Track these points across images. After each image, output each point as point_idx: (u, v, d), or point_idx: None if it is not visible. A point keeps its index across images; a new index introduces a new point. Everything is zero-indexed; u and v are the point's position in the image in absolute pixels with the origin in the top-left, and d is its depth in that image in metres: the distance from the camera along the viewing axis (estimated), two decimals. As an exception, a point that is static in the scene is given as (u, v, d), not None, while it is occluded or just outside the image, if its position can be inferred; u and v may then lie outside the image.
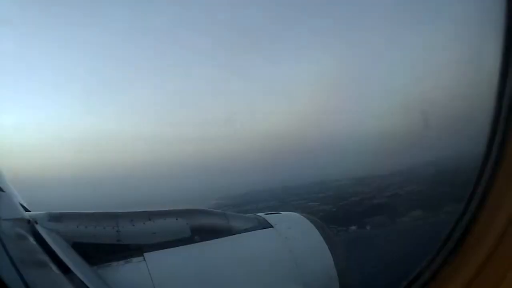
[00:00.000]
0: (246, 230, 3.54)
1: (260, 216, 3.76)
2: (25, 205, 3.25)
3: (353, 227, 29.55)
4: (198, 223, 3.40)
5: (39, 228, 2.76)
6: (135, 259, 3.04)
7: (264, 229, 3.60)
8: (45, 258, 2.36)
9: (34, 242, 2.51)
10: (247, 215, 3.83)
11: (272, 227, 3.61)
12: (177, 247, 3.22)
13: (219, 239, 3.37)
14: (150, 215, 3.31)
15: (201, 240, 3.31)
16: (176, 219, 3.36)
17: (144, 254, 3.08)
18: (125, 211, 3.35)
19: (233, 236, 3.45)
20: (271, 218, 3.72)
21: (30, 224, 2.77)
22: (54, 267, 2.28)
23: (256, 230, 3.57)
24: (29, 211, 3.14)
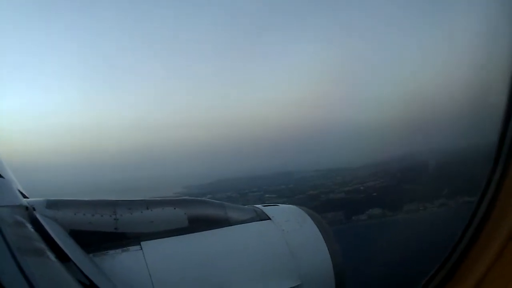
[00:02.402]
0: (244, 221, 3.56)
1: (258, 208, 3.77)
2: (23, 191, 3.25)
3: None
4: (195, 213, 3.41)
5: (37, 215, 2.75)
6: (132, 248, 3.04)
7: (262, 221, 3.62)
8: (42, 245, 2.34)
9: (32, 229, 2.49)
10: (245, 206, 3.84)
11: (270, 219, 3.64)
12: (174, 237, 3.22)
13: (216, 230, 3.38)
14: (148, 204, 3.30)
15: (198, 231, 3.32)
16: (174, 208, 3.36)
17: (141, 242, 3.08)
18: (123, 199, 3.34)
19: (230, 227, 3.46)
20: (268, 210, 3.75)
21: (28, 211, 2.76)
22: (51, 255, 2.25)
23: (253, 221, 3.59)
24: (27, 198, 3.12)
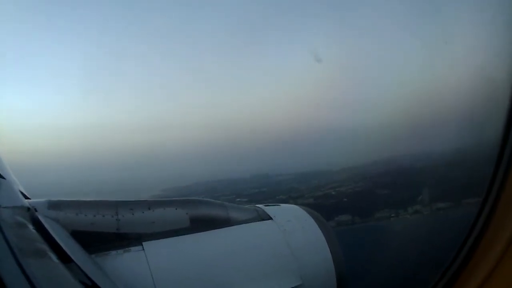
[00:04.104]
0: (245, 221, 3.56)
1: (259, 208, 3.78)
2: (25, 192, 3.23)
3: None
4: (197, 214, 3.41)
5: (39, 216, 2.74)
6: (134, 248, 3.04)
7: (263, 221, 3.63)
8: (44, 246, 2.33)
9: (34, 230, 2.48)
10: (246, 206, 3.85)
11: (271, 219, 3.64)
12: (175, 237, 3.22)
13: (217, 230, 3.38)
14: (149, 205, 3.30)
15: (200, 231, 3.32)
16: (176, 209, 3.36)
17: (143, 243, 3.09)
18: (125, 199, 3.34)
19: (232, 227, 3.46)
20: (270, 210, 3.75)
21: (30, 212, 2.75)
22: (53, 256, 2.25)
23: (255, 222, 3.60)
24: (29, 199, 3.11)
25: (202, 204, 3.56)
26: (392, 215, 30.56)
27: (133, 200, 3.36)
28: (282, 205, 4.04)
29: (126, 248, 3.01)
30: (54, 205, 2.99)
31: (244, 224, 3.53)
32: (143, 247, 3.04)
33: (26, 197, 3.12)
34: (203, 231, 3.33)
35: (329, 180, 39.14)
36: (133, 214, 3.19)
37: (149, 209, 3.26)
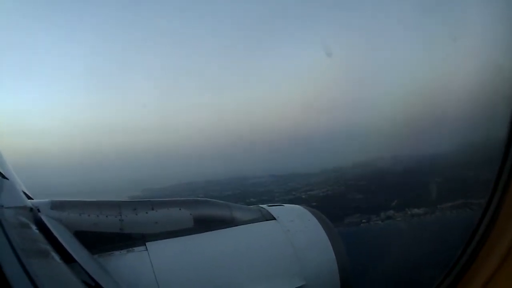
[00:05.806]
0: (249, 221, 3.56)
1: (263, 208, 3.78)
2: (28, 193, 3.25)
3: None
4: (201, 214, 3.40)
5: (41, 216, 2.74)
6: (137, 249, 3.03)
7: (267, 221, 3.62)
8: (47, 247, 2.32)
9: (37, 231, 2.47)
10: (250, 206, 3.85)
11: (275, 219, 3.64)
12: (179, 237, 3.21)
13: (221, 230, 3.38)
14: (153, 205, 3.29)
15: (204, 231, 3.31)
16: (179, 209, 3.35)
17: (147, 243, 3.08)
18: (128, 200, 3.38)
19: (236, 227, 3.46)
20: (274, 210, 3.75)
21: (33, 212, 2.75)
22: (56, 256, 2.23)
23: (258, 222, 3.60)
24: (32, 199, 3.11)
25: (206, 204, 3.56)
26: (363, 220, 30.41)
27: (137, 200, 3.36)
28: (286, 205, 4.05)
29: (130, 249, 3.00)
30: (57, 206, 2.97)
31: (247, 225, 3.52)
32: (146, 248, 3.03)
33: (29, 198, 3.11)
34: (207, 231, 3.32)
35: (305, 183, 39.25)
36: (136, 214, 3.17)
37: (153, 209, 3.24)
